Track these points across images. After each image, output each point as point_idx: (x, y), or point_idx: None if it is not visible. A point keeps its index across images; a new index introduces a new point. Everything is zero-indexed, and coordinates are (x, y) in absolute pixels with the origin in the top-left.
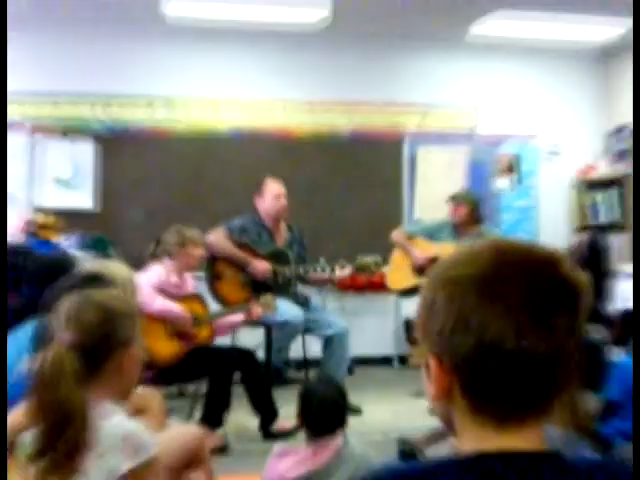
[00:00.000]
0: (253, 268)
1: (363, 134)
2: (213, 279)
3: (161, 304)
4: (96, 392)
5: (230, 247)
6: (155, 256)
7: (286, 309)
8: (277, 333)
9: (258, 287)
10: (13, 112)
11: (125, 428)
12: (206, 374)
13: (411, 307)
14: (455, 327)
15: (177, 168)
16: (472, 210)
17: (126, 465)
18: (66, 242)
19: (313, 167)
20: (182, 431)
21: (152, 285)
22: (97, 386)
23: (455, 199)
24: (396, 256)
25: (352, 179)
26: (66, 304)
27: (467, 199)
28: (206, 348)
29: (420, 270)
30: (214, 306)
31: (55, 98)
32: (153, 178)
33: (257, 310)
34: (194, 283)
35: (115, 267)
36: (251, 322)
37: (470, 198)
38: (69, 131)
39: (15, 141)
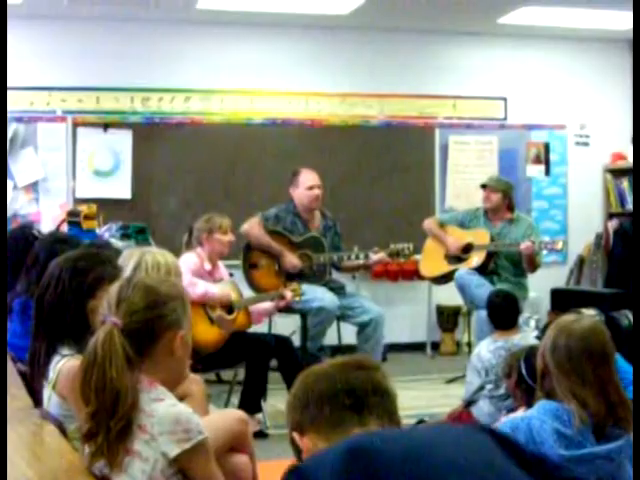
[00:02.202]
0: (284, 261)
1: (395, 124)
2: (249, 267)
3: (203, 289)
4: (147, 375)
5: (264, 237)
6: (189, 244)
7: (321, 295)
8: (312, 320)
9: (292, 275)
10: (56, 105)
11: (177, 412)
12: (243, 360)
13: (443, 294)
14: None
15: (212, 158)
16: (505, 197)
17: (178, 448)
18: (107, 232)
19: (346, 157)
20: (225, 416)
21: (189, 272)
22: (148, 369)
23: (489, 185)
24: (429, 244)
25: (384, 168)
26: (115, 287)
27: (500, 185)
28: (243, 335)
29: (453, 258)
30: (250, 294)
31: (96, 92)
32: (189, 168)
33: (287, 296)
34: (226, 270)
35: (160, 253)
36: (284, 309)
37: (503, 184)
38: (109, 123)
39: (57, 134)
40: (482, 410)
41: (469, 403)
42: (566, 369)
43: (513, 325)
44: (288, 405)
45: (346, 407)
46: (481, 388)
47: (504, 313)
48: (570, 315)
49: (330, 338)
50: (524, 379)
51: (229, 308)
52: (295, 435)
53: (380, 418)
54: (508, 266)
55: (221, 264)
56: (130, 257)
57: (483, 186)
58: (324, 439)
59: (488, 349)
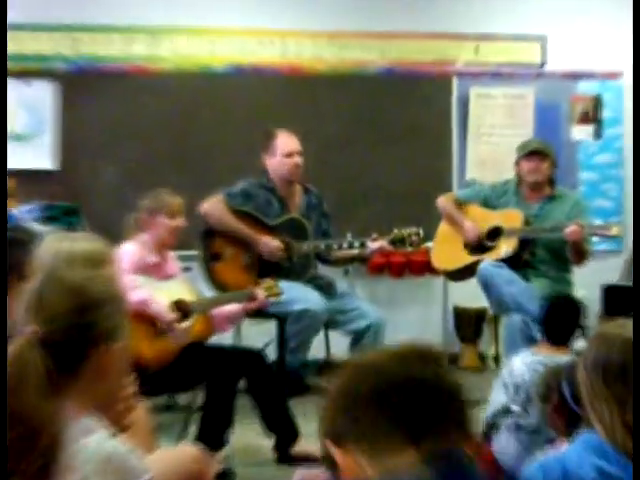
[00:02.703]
0: (261, 245)
1: (400, 73)
2: (210, 259)
3: (143, 297)
4: (72, 401)
5: (230, 219)
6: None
7: (303, 296)
8: (293, 327)
9: (266, 269)
10: None
11: (109, 449)
12: (202, 381)
13: (463, 294)
14: None
15: (161, 118)
16: (554, 165)
17: None
18: (29, 213)
19: (335, 115)
20: (179, 453)
21: (126, 268)
22: (73, 393)
23: (539, 150)
24: (444, 229)
25: (385, 130)
26: (31, 286)
27: (551, 150)
28: (202, 347)
29: (475, 246)
30: (211, 294)
31: (10, 32)
32: (131, 131)
33: (260, 296)
34: (178, 264)
35: (88, 242)
36: (255, 313)
37: (552, 150)
38: (26, 72)
39: None
40: (504, 445)
41: (490, 427)
42: (602, 390)
43: (567, 341)
44: (323, 408)
45: (401, 414)
46: (507, 411)
47: (564, 324)
48: (622, 320)
49: (316, 351)
50: (567, 404)
51: (184, 312)
52: (329, 445)
53: (446, 431)
54: (547, 257)
55: (171, 255)
56: (49, 245)
57: (531, 153)
58: (369, 455)
59: (524, 361)
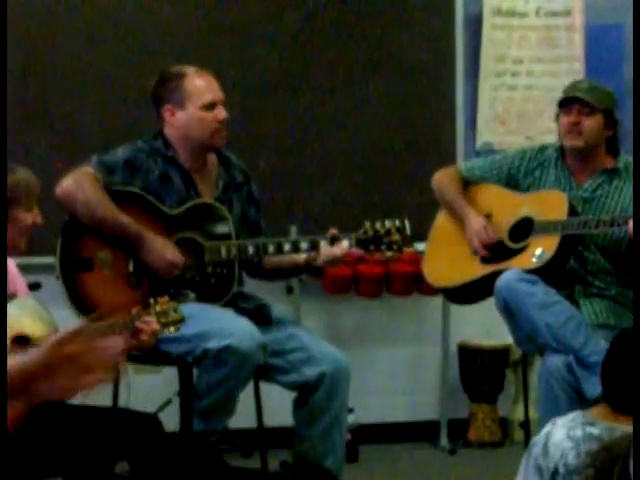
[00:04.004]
0: (150, 252)
1: None
2: (73, 269)
3: None
4: None
5: (106, 205)
6: None
7: (224, 325)
8: (206, 377)
9: (163, 282)
10: None
11: None
12: (58, 467)
13: (472, 324)
14: None
15: None
16: (608, 124)
17: None
18: None
19: (272, 43)
20: None
21: None
22: None
23: (579, 97)
24: (442, 222)
25: (351, 67)
26: None
27: (602, 99)
28: (59, 410)
29: (490, 250)
30: (72, 322)
31: None
32: None
33: (150, 326)
34: (21, 277)
35: None
36: (145, 353)
37: (605, 98)
38: None
39: None
40: None
41: None
42: None
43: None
44: None
45: None
46: None
47: (632, 379)
48: None
49: (242, 416)
50: None
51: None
52: None
53: None
54: (606, 265)
55: (11, 265)
56: None
57: (565, 102)
58: None
59: (569, 433)
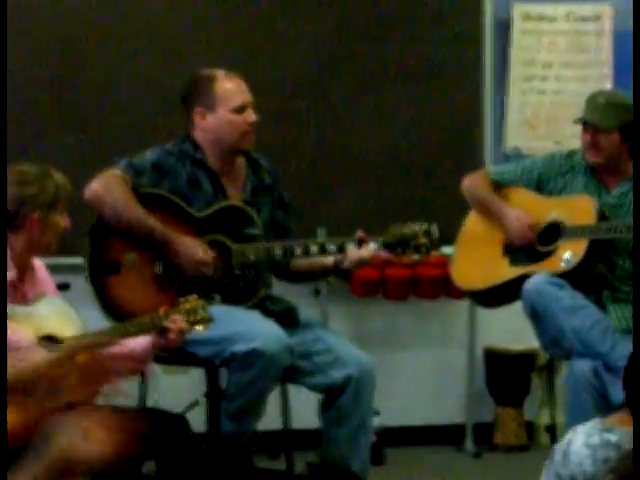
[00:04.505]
0: (178, 253)
1: None
2: (103, 269)
3: None
4: None
5: (133, 207)
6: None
7: (251, 328)
8: (235, 378)
9: (190, 284)
10: None
11: None
12: None
13: (499, 328)
14: None
15: (27, 50)
16: (627, 137)
17: None
18: None
19: (301, 48)
20: None
21: None
22: None
23: (590, 122)
24: (472, 224)
25: (379, 71)
26: None
27: (616, 117)
28: (89, 409)
29: (520, 251)
30: (99, 323)
31: None
32: None
33: (177, 325)
34: (49, 277)
35: None
36: (172, 354)
37: (621, 114)
38: None
39: None
40: None
41: None
42: None
43: None
44: None
45: None
46: None
47: None
48: None
49: (269, 418)
50: None
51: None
52: None
53: None
54: (633, 270)
55: (41, 265)
56: None
57: (582, 122)
58: None
59: (587, 441)
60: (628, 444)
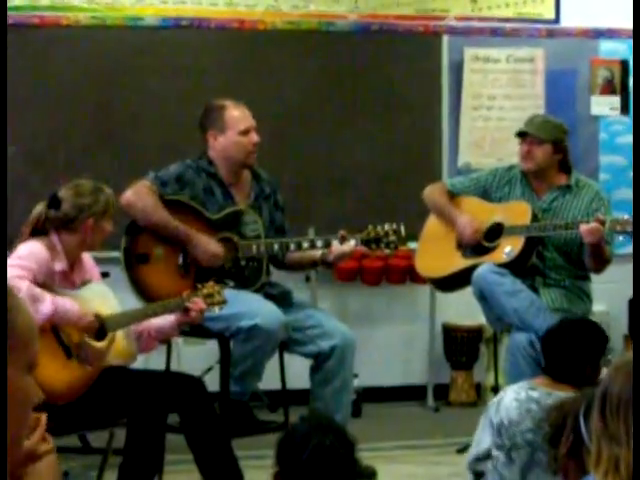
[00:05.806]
0: (195, 248)
1: (376, 28)
2: (135, 261)
3: (50, 307)
4: None
5: (160, 211)
6: (39, 230)
7: (256, 308)
8: (240, 348)
9: (206, 272)
10: None
11: None
12: (123, 416)
13: (455, 308)
14: None
15: (76, 83)
16: (557, 150)
17: None
18: None
19: (295, 81)
20: None
21: (35, 271)
22: None
23: (530, 133)
24: (432, 225)
25: (358, 102)
26: None
27: (549, 132)
28: (122, 373)
29: (471, 247)
30: (135, 305)
31: None
32: (37, 99)
33: (197, 305)
34: (96, 267)
35: None
36: (192, 329)
37: (554, 130)
38: None
39: None
40: None
41: (473, 475)
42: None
43: (572, 379)
44: None
45: None
46: (488, 456)
47: (567, 358)
48: None
49: (269, 379)
50: (584, 445)
51: (99, 330)
52: None
53: None
54: (560, 261)
55: (88, 259)
56: None
57: (520, 134)
58: None
59: (516, 396)
60: (544, 400)
